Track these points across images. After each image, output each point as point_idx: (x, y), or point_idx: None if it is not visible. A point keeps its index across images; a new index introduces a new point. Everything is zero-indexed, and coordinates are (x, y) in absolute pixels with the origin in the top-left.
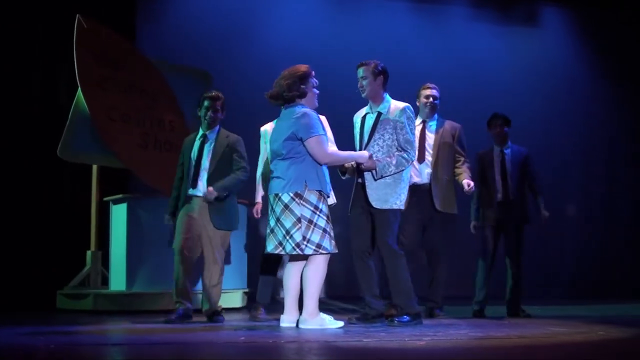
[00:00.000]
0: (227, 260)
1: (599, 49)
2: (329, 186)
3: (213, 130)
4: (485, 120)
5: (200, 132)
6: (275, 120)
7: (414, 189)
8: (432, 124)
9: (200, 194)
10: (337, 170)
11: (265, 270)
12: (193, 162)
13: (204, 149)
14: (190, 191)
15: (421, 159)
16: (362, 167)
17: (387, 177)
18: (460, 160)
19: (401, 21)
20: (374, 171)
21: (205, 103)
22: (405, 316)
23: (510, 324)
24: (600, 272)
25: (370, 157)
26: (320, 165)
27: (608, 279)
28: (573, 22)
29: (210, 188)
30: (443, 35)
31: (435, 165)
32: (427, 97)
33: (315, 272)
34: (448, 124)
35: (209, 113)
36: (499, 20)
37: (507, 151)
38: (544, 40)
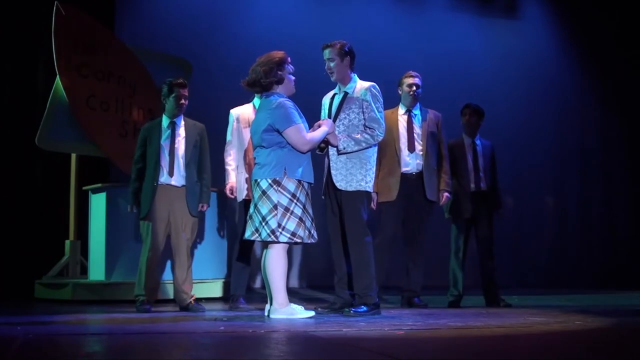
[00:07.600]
0: (206, 249)
1: (578, 41)
2: (312, 176)
3: (179, 117)
4: None
5: (166, 119)
6: (254, 101)
7: (404, 178)
8: (417, 113)
9: (176, 183)
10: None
11: (238, 259)
12: (166, 150)
13: (175, 137)
14: (166, 179)
15: (411, 149)
16: (326, 138)
17: (353, 158)
18: (441, 162)
19: (382, 11)
20: (338, 146)
21: (177, 90)
22: (362, 306)
23: (489, 314)
24: (576, 263)
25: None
26: (304, 153)
27: (584, 269)
28: (553, 14)
29: (205, 206)
30: (424, 26)
31: (425, 155)
32: (411, 85)
33: (276, 262)
34: (431, 112)
35: (182, 100)
36: (480, 11)
37: (478, 142)
38: (524, 32)
